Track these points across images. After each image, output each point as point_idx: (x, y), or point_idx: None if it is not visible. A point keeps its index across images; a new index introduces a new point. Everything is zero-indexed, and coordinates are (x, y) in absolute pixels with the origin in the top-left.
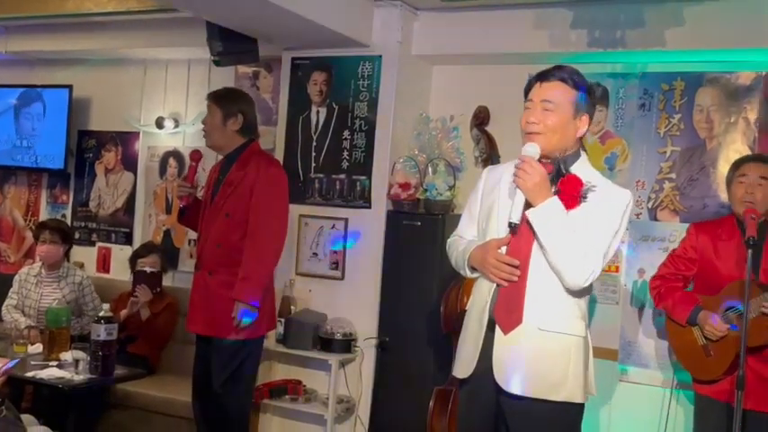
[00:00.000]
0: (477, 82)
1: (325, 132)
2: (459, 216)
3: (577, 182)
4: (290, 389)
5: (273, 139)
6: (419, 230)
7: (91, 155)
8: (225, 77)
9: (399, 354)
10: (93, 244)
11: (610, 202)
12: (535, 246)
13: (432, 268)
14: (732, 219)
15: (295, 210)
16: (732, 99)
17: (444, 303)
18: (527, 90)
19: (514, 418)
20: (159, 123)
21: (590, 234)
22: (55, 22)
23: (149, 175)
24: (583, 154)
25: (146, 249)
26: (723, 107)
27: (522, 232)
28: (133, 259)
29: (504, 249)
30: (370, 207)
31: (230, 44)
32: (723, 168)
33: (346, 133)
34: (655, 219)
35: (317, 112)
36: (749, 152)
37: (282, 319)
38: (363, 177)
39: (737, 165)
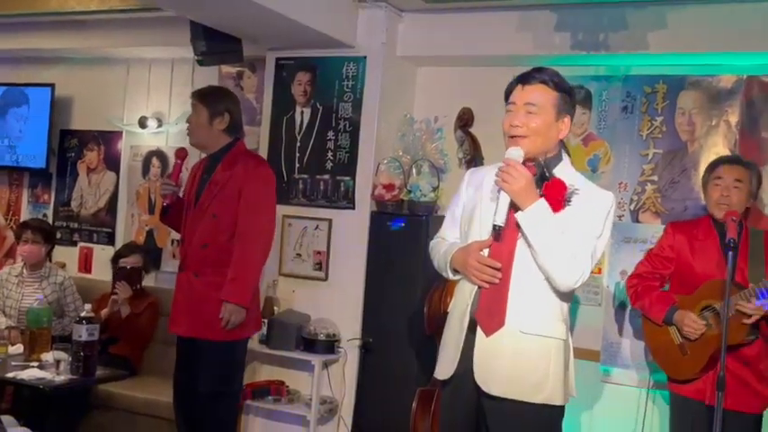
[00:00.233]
0: (461, 84)
1: (310, 133)
2: (443, 217)
3: (561, 186)
4: (273, 390)
5: (257, 139)
6: (403, 231)
7: (73, 154)
8: (209, 77)
9: (383, 355)
10: (74, 244)
11: (593, 205)
12: (517, 248)
13: (415, 269)
14: (708, 219)
15: (279, 210)
16: (714, 102)
17: (428, 304)
18: (508, 93)
19: (495, 420)
20: (142, 123)
21: (576, 236)
22: (38, 20)
23: (132, 174)
24: (565, 156)
25: (128, 249)
26: (705, 110)
27: (504, 235)
28: (115, 259)
29: (486, 252)
30: (353, 208)
31: (214, 44)
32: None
33: (330, 134)
34: (637, 220)
35: (302, 112)
36: (731, 154)
37: (266, 320)
38: (347, 178)
39: (713, 167)
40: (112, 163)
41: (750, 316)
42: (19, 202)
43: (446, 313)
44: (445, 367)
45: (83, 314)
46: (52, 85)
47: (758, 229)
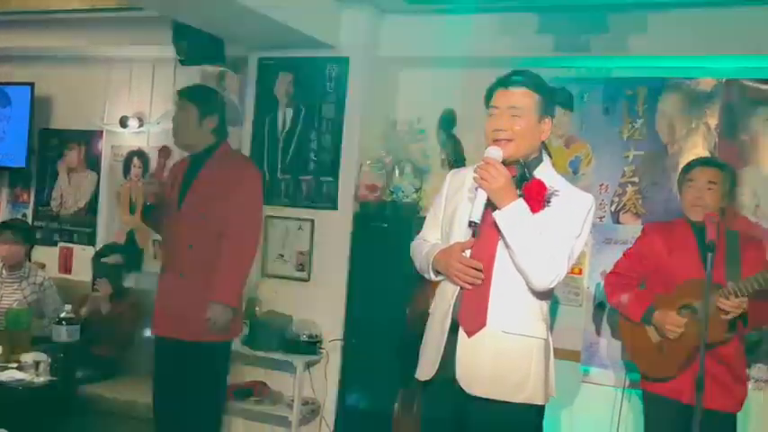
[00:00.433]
0: (443, 85)
1: (292, 133)
2: (425, 218)
3: (541, 186)
4: (255, 391)
5: (240, 139)
6: (386, 232)
7: (53, 154)
8: (191, 77)
9: (365, 355)
10: (54, 244)
11: (572, 207)
12: (499, 249)
13: (398, 270)
14: (684, 220)
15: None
16: (693, 105)
17: (410, 305)
18: (488, 96)
19: (476, 420)
20: (123, 122)
21: (554, 237)
22: (18, 19)
23: (113, 174)
24: (545, 158)
25: (109, 250)
26: (684, 113)
27: (485, 236)
28: (96, 260)
29: (468, 253)
30: (336, 208)
31: (196, 44)
32: None
33: (313, 134)
34: (617, 222)
35: (284, 112)
36: (705, 156)
37: (247, 321)
38: (330, 179)
39: (687, 169)
40: (93, 163)
41: (728, 312)
42: None
43: (428, 314)
44: (427, 368)
45: (63, 315)
46: (32, 84)
47: (733, 229)
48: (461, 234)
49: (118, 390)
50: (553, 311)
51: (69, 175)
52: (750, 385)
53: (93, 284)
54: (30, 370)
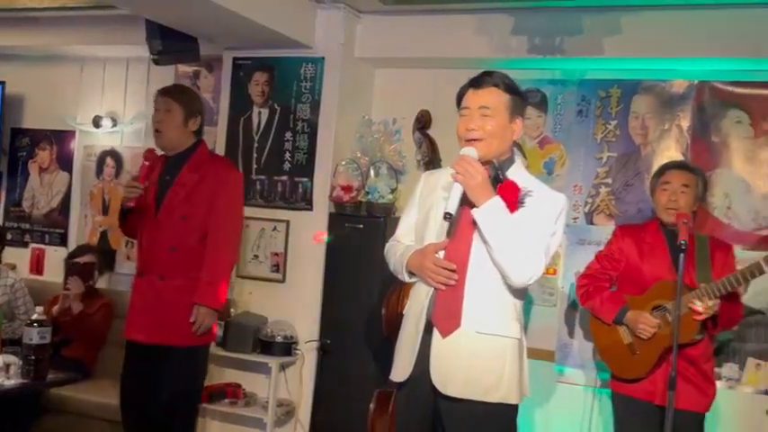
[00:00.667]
0: (419, 85)
1: (267, 133)
2: (400, 219)
3: (515, 188)
4: (230, 392)
5: (214, 139)
6: (361, 233)
7: (24, 153)
8: (165, 76)
9: (340, 356)
10: (26, 245)
11: (546, 206)
12: (473, 250)
13: (373, 271)
14: (655, 222)
15: None
16: (666, 107)
17: (386, 306)
18: (459, 98)
19: (451, 420)
20: (96, 122)
21: (531, 234)
22: None
23: (85, 174)
24: (517, 159)
25: (81, 251)
26: (657, 114)
27: (459, 236)
28: (68, 261)
29: (442, 254)
30: (311, 209)
31: (170, 43)
32: None
33: (288, 135)
34: (591, 223)
35: (259, 112)
36: (683, 159)
37: (222, 322)
38: (305, 179)
39: (661, 172)
40: (65, 163)
41: (701, 314)
42: None
43: (403, 315)
44: (401, 369)
45: (34, 317)
46: (3, 83)
47: (703, 234)
48: (436, 235)
49: (90, 391)
50: (528, 312)
51: (41, 176)
52: (721, 384)
53: (65, 283)
54: (0, 373)
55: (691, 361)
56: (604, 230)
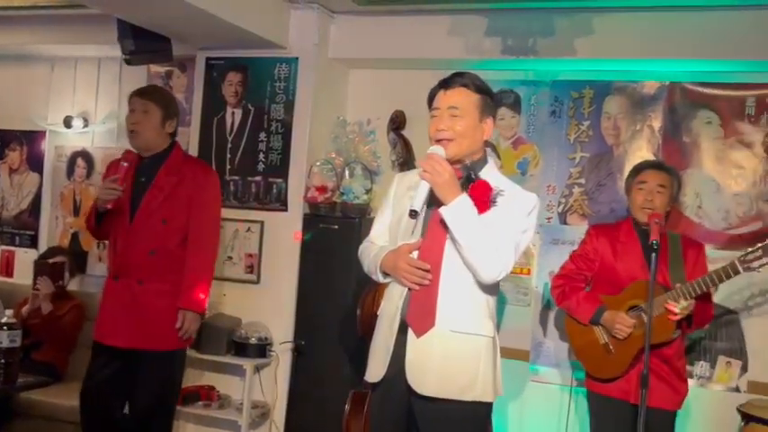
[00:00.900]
0: (393, 86)
1: (241, 134)
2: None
3: (487, 187)
4: (204, 395)
5: (187, 140)
6: (336, 234)
7: None
8: (137, 76)
9: (315, 357)
10: None
11: (517, 204)
12: (446, 249)
13: (348, 272)
14: (629, 222)
15: None
16: (638, 107)
17: (361, 307)
18: (431, 99)
19: (426, 420)
20: (67, 123)
21: (501, 231)
22: None
23: (56, 175)
24: (490, 159)
25: (52, 252)
26: (629, 115)
27: (432, 236)
28: (38, 261)
29: (415, 254)
30: (286, 210)
31: (143, 43)
32: None
33: (262, 135)
34: (564, 222)
35: (233, 113)
36: (658, 159)
37: None
38: (280, 180)
39: (637, 171)
40: (36, 163)
41: (676, 314)
42: None
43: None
44: (375, 370)
45: (4, 320)
46: None
47: (675, 232)
48: (409, 235)
49: (61, 395)
50: (502, 311)
51: (11, 177)
52: (692, 382)
53: (35, 283)
54: None
55: (665, 359)
56: (578, 230)
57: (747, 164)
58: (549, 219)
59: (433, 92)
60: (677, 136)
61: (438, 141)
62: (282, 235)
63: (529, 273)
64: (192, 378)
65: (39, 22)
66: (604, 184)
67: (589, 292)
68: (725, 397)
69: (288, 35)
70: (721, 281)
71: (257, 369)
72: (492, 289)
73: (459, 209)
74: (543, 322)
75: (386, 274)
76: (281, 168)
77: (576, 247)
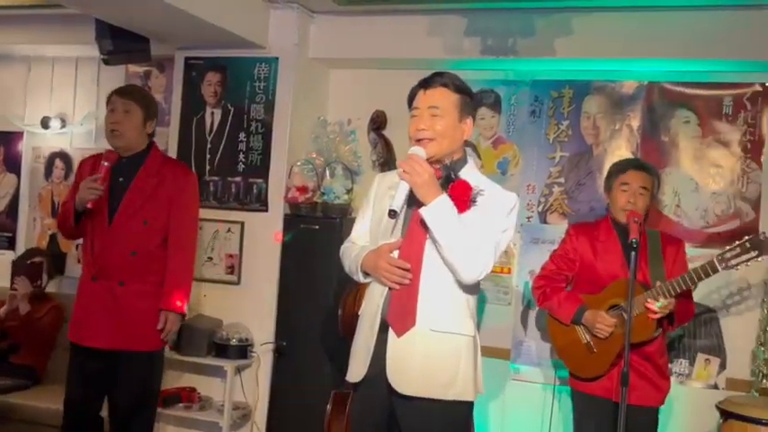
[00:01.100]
0: (374, 86)
1: (221, 134)
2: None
3: (467, 187)
4: (184, 397)
5: (166, 140)
6: (317, 234)
7: None
8: (115, 77)
9: (297, 358)
10: None
11: (497, 204)
12: (426, 249)
13: (329, 272)
14: (608, 220)
15: None
16: (617, 107)
17: (342, 307)
18: (411, 99)
19: (407, 419)
20: (45, 123)
21: (480, 230)
22: None
23: (34, 177)
24: (470, 159)
25: (30, 254)
26: (608, 114)
27: (412, 236)
28: (15, 261)
29: (396, 253)
30: (267, 210)
31: (121, 43)
32: None
33: (242, 135)
34: (544, 222)
35: (212, 113)
36: (637, 158)
37: None
38: (260, 180)
39: (619, 171)
40: (13, 164)
41: (656, 313)
42: None
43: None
44: (357, 369)
45: None
46: None
47: (654, 230)
48: (390, 235)
49: (39, 398)
50: (482, 310)
51: None
52: (672, 380)
53: (12, 283)
54: None
55: (646, 357)
56: (558, 229)
57: (725, 163)
58: (529, 218)
59: (413, 92)
60: (656, 135)
61: (418, 141)
62: (263, 235)
63: (509, 272)
64: (173, 380)
65: (15, 22)
66: (584, 184)
67: (570, 292)
68: (704, 394)
69: (267, 35)
70: (700, 279)
71: (238, 370)
72: (472, 288)
73: (438, 209)
74: (524, 321)
75: (366, 274)
76: (261, 169)
77: (556, 247)
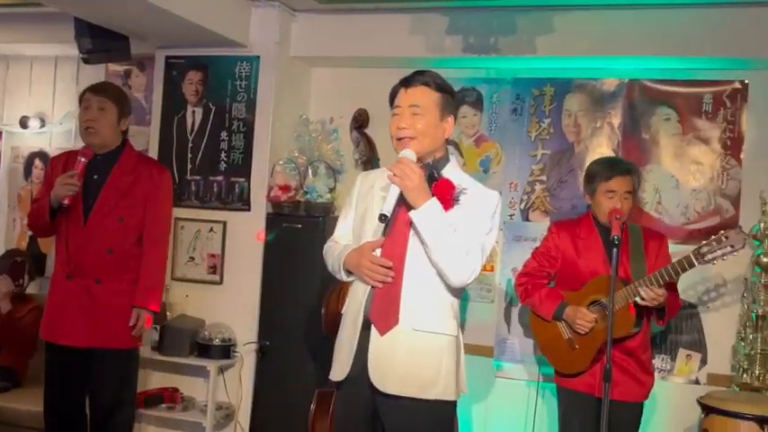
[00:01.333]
0: (356, 85)
1: (202, 133)
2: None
3: (450, 185)
4: (167, 397)
5: (147, 139)
6: (300, 233)
7: None
8: (95, 76)
9: (280, 357)
10: None
11: (481, 204)
12: (409, 247)
13: (312, 271)
14: (589, 218)
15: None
16: (598, 105)
17: (325, 306)
18: (392, 97)
19: (390, 418)
20: (23, 123)
21: (467, 233)
22: None
23: (13, 177)
24: (452, 158)
25: (10, 255)
26: (590, 112)
27: (396, 234)
28: None
29: (378, 252)
30: (249, 209)
31: (100, 41)
32: None
33: (224, 134)
34: (527, 219)
35: (193, 112)
36: (618, 156)
37: (158, 326)
38: (242, 179)
39: (603, 179)
40: None
41: (645, 300)
42: None
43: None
44: (340, 368)
45: None
46: None
47: (636, 225)
48: (373, 235)
49: (20, 400)
50: (465, 308)
51: None
52: (654, 375)
53: None
54: None
55: (629, 353)
56: (540, 227)
57: (705, 159)
58: (511, 216)
59: (394, 90)
60: (636, 133)
61: (399, 139)
62: (245, 235)
63: (492, 269)
64: (156, 380)
65: None
66: (566, 181)
67: (551, 289)
68: (685, 389)
69: (249, 33)
70: (677, 274)
71: (221, 370)
72: (456, 291)
73: (429, 213)
74: (507, 319)
75: (349, 273)
76: (243, 168)
77: (538, 245)
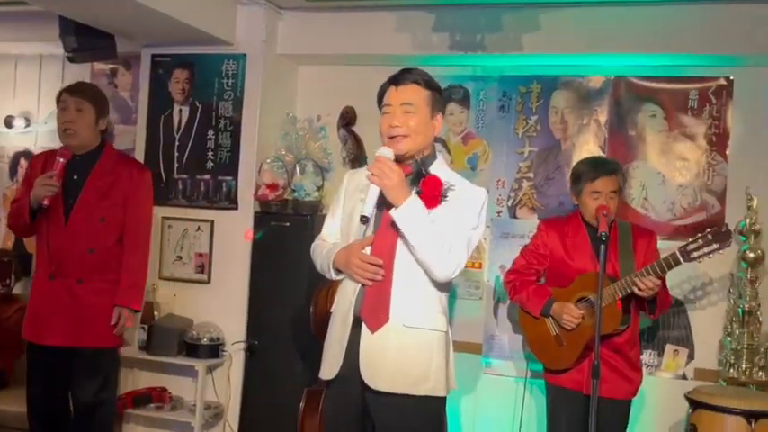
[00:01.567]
0: (343, 82)
1: (189, 132)
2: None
3: (437, 182)
4: (155, 397)
5: (133, 138)
6: (288, 231)
7: None
8: (80, 74)
9: (269, 356)
10: None
11: (467, 200)
12: (399, 244)
13: (301, 269)
14: (577, 216)
15: (158, 212)
16: (584, 102)
17: (314, 304)
18: (380, 96)
19: (380, 414)
20: (8, 122)
21: (452, 229)
22: None
23: None
24: (439, 155)
25: None
26: (576, 109)
27: (384, 232)
28: None
29: (368, 250)
30: (236, 208)
31: (86, 40)
32: None
33: (211, 133)
34: (514, 216)
35: (180, 111)
36: (601, 152)
37: (145, 326)
38: (229, 178)
39: (588, 180)
40: None
41: (641, 290)
42: None
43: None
44: (330, 366)
45: None
46: None
47: (625, 222)
48: (360, 233)
49: (6, 401)
50: (454, 305)
51: None
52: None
53: None
54: None
55: (616, 349)
56: (527, 224)
57: (691, 156)
58: (499, 213)
59: (382, 88)
60: (623, 129)
61: (391, 138)
62: (233, 234)
63: (480, 266)
64: (144, 380)
65: None
66: (553, 178)
67: (539, 286)
68: (673, 384)
69: (235, 31)
70: (663, 271)
71: (210, 369)
72: (444, 285)
73: (409, 210)
74: (495, 315)
75: (339, 271)
76: (230, 166)
77: (527, 242)
